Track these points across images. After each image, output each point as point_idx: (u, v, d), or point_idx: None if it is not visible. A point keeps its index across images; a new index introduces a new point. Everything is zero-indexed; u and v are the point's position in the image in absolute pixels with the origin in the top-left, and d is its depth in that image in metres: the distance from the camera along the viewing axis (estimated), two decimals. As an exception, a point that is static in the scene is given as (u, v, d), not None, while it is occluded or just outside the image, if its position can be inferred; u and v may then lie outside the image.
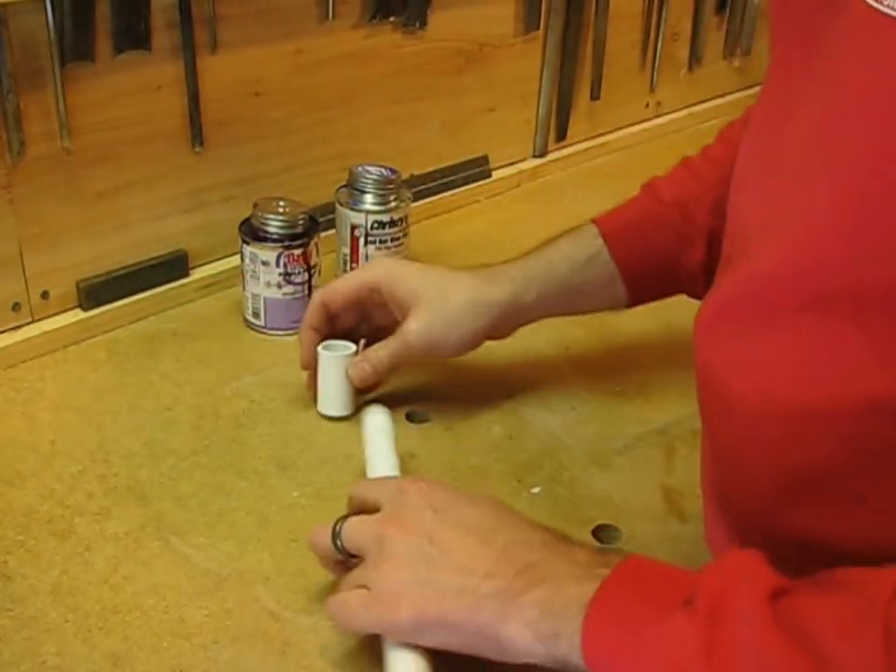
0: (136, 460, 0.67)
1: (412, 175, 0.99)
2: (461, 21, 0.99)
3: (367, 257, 0.86)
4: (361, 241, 0.85)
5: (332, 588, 0.55)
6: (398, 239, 0.86)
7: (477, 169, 1.06)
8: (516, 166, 1.11)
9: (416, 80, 0.98)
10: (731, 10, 1.31)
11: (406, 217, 0.87)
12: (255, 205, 0.80)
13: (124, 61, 0.76)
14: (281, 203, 0.80)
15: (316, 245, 0.81)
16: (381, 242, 0.85)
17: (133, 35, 0.76)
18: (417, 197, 0.97)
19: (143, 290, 0.83)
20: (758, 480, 0.47)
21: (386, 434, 0.65)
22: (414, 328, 0.68)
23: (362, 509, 0.55)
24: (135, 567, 0.58)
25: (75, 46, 0.73)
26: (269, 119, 0.88)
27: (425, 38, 0.97)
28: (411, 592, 0.48)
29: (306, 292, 0.81)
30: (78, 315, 0.80)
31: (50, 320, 0.79)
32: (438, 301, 0.69)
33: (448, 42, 1.00)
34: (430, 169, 1.02)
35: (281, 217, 0.79)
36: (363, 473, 0.67)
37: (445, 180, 1.03)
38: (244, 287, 0.81)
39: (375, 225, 0.85)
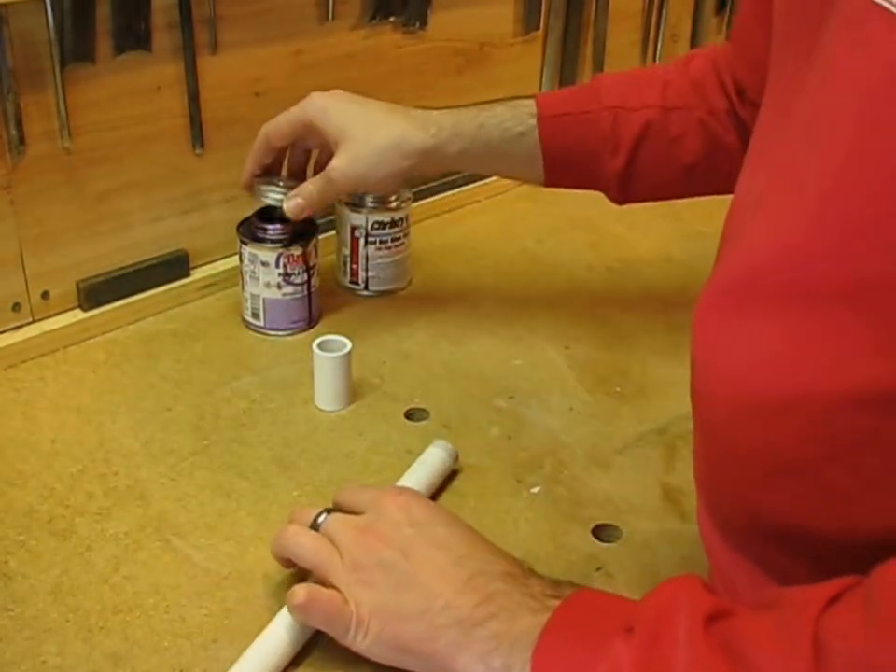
0: (136, 460, 0.67)
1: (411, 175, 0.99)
2: (461, 21, 0.99)
3: (367, 258, 0.86)
4: (361, 241, 0.85)
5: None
6: (398, 239, 0.86)
7: (477, 169, 1.06)
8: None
9: (416, 80, 0.98)
10: (730, 11, 1.31)
11: (406, 217, 0.87)
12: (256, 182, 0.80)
13: (124, 61, 0.77)
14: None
15: (315, 245, 0.81)
16: (381, 242, 0.86)
17: (134, 36, 0.76)
18: (417, 197, 0.97)
19: (143, 291, 0.83)
20: (738, 467, 0.47)
21: (432, 467, 0.65)
22: (337, 165, 0.73)
23: (345, 510, 0.56)
24: (136, 567, 0.58)
25: (75, 46, 0.73)
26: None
27: (425, 38, 0.97)
28: (376, 609, 0.49)
29: (306, 293, 0.81)
30: (78, 315, 0.80)
31: (51, 320, 0.79)
32: (363, 140, 0.73)
33: (448, 42, 1.00)
34: (430, 169, 1.02)
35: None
36: (363, 471, 0.67)
37: (445, 180, 1.03)
38: (242, 288, 0.81)
39: (375, 225, 0.85)
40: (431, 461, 0.65)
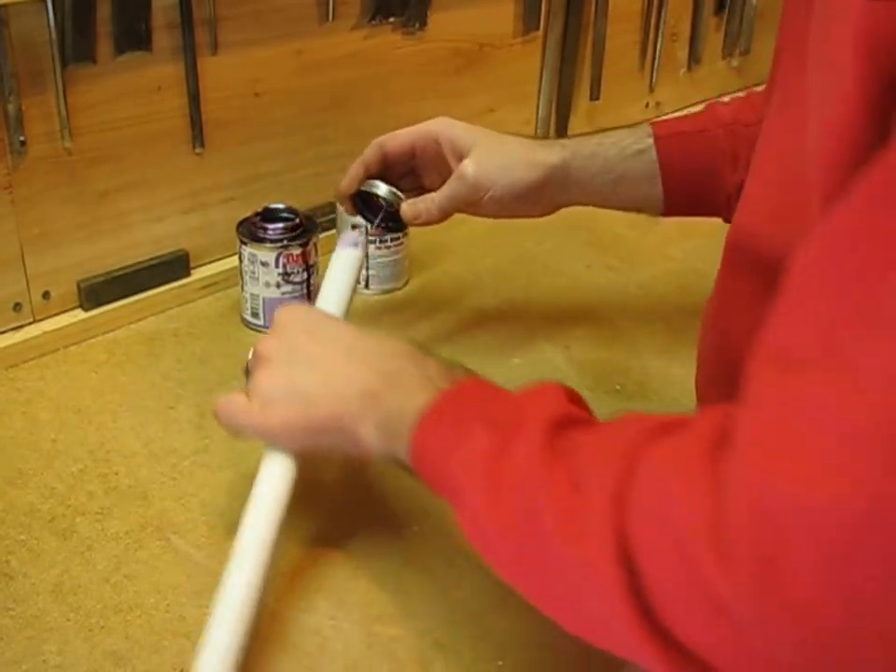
0: (137, 460, 0.67)
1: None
2: (461, 22, 1.00)
3: (367, 257, 0.86)
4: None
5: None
6: (398, 239, 0.87)
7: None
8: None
9: (416, 81, 0.98)
10: (730, 11, 1.31)
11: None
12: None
13: (125, 62, 0.77)
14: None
15: (315, 245, 0.82)
16: (381, 242, 0.86)
17: (134, 37, 0.76)
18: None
19: (143, 290, 0.83)
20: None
21: (348, 270, 0.67)
22: (470, 163, 0.71)
23: None
24: (136, 567, 0.59)
25: (76, 47, 0.73)
26: (269, 119, 0.88)
27: (425, 39, 0.97)
28: (282, 399, 0.54)
29: (305, 291, 0.81)
30: (79, 315, 0.80)
31: (51, 320, 0.79)
32: (493, 148, 0.73)
33: (448, 42, 1.00)
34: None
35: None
36: (362, 472, 0.67)
37: (445, 180, 1.03)
38: (242, 288, 0.81)
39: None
40: (341, 264, 0.68)
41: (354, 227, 0.83)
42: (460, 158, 0.72)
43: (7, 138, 0.72)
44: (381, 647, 0.54)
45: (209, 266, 0.88)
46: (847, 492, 0.30)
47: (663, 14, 1.21)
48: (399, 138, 0.74)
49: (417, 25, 0.95)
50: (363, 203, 0.76)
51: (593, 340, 0.82)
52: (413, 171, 0.76)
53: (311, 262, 0.81)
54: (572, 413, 0.45)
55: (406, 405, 0.50)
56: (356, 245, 0.69)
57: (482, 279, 0.91)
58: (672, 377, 0.77)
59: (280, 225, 0.79)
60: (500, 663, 0.54)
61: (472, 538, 0.46)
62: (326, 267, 0.85)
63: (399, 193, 0.74)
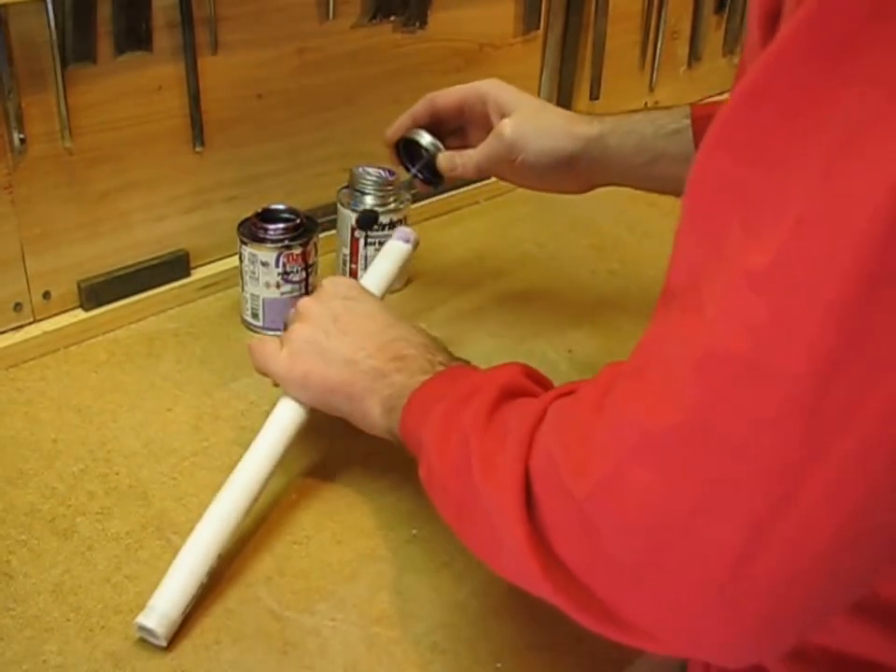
0: (137, 460, 0.67)
1: (412, 177, 0.99)
2: (461, 21, 0.99)
3: (367, 258, 0.86)
4: (361, 241, 0.86)
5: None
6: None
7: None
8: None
9: (417, 80, 0.98)
10: (730, 8, 1.31)
11: (406, 218, 0.87)
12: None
13: (125, 61, 0.77)
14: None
15: (315, 244, 0.82)
16: (381, 243, 0.85)
17: (135, 36, 0.76)
18: (417, 198, 0.97)
19: (144, 290, 0.83)
20: None
21: (394, 260, 0.74)
22: (509, 122, 0.73)
23: None
24: (137, 567, 0.59)
25: (76, 47, 0.73)
26: (269, 119, 0.88)
27: (425, 38, 0.97)
28: (308, 353, 0.61)
29: (304, 291, 0.81)
30: (80, 315, 0.80)
31: (52, 320, 0.79)
32: (536, 111, 0.74)
33: (448, 42, 1.00)
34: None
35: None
36: (363, 473, 0.67)
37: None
38: (242, 288, 0.81)
39: (376, 227, 0.85)
40: (389, 253, 0.74)
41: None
42: (498, 120, 0.74)
43: (7, 138, 0.72)
44: (380, 648, 0.54)
45: (209, 266, 0.88)
46: (680, 418, 0.35)
47: (663, 13, 1.21)
48: (449, 95, 0.76)
49: (418, 25, 0.95)
50: (406, 152, 0.78)
51: (595, 342, 0.82)
52: (462, 129, 0.78)
53: (310, 262, 0.81)
54: (522, 385, 0.51)
55: (406, 384, 0.56)
56: (407, 240, 0.76)
57: (482, 281, 0.91)
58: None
59: (280, 225, 0.79)
60: (499, 665, 0.54)
61: (427, 487, 0.52)
62: (326, 267, 0.86)
63: (441, 145, 0.76)
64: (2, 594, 0.57)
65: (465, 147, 0.77)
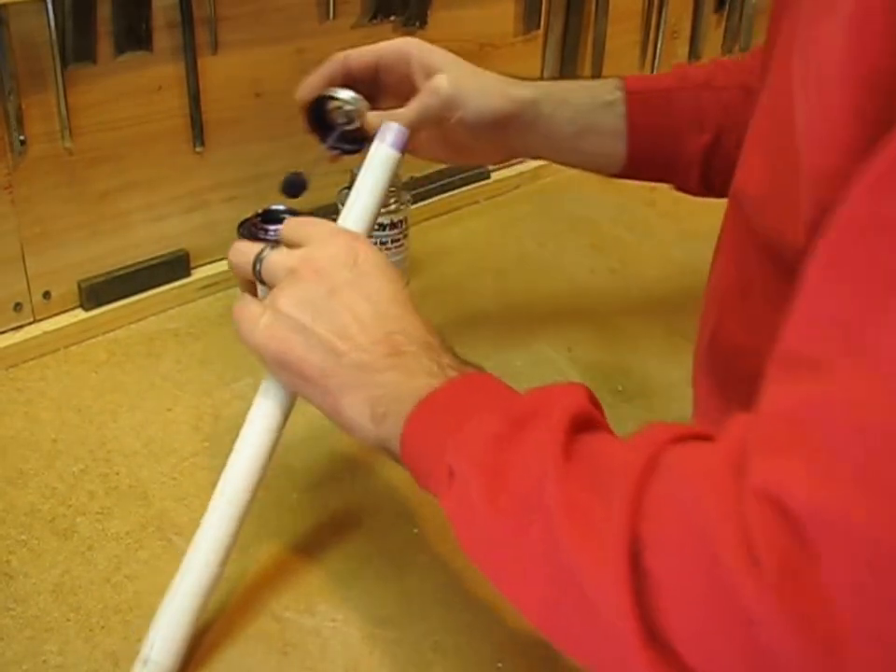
0: (138, 460, 0.67)
1: (411, 178, 0.99)
2: (461, 21, 0.99)
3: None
4: (362, 241, 0.85)
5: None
6: (398, 240, 0.87)
7: (476, 170, 1.06)
8: (516, 167, 1.11)
9: (417, 80, 0.98)
10: (730, 7, 1.31)
11: (406, 218, 0.87)
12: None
13: (125, 61, 0.77)
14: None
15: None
16: (381, 243, 0.86)
17: (135, 36, 0.76)
18: (417, 199, 0.97)
19: (144, 290, 0.83)
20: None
21: (383, 173, 0.61)
22: (445, 78, 0.66)
23: (289, 245, 0.55)
24: (137, 567, 0.59)
25: (76, 47, 0.73)
26: (270, 119, 0.88)
27: (425, 38, 0.96)
28: (290, 328, 0.50)
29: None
30: (80, 315, 0.80)
31: (52, 320, 0.79)
32: (470, 71, 0.68)
33: (448, 42, 0.98)
34: (430, 171, 1.02)
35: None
36: (363, 473, 0.67)
37: (445, 182, 1.03)
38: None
39: (375, 227, 0.85)
40: (376, 166, 0.61)
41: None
42: (422, 82, 0.67)
43: (7, 138, 0.72)
44: (381, 649, 0.54)
45: (209, 266, 0.88)
46: (877, 503, 0.28)
47: (663, 14, 1.21)
48: (364, 54, 0.68)
49: (418, 24, 0.95)
50: (317, 116, 0.68)
51: (594, 341, 0.82)
52: (371, 93, 0.69)
53: (311, 262, 0.81)
54: (594, 416, 0.43)
55: (404, 385, 0.48)
56: (393, 145, 0.62)
57: (482, 280, 0.91)
58: (673, 378, 0.77)
59: (280, 226, 0.79)
60: (500, 665, 0.54)
61: (459, 525, 0.43)
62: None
63: (366, 102, 0.66)
64: (2, 594, 0.56)
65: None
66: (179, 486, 0.65)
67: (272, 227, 0.79)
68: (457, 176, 1.04)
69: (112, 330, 0.81)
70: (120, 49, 0.76)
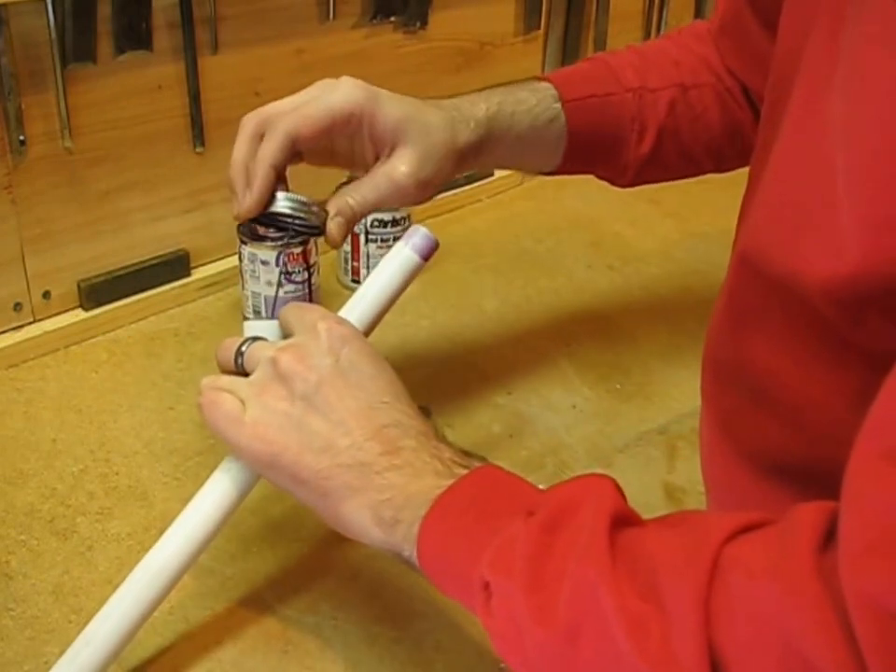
0: (138, 460, 0.67)
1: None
2: (462, 21, 0.99)
3: (368, 255, 0.86)
4: (362, 239, 0.85)
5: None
6: (399, 237, 0.86)
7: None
8: (517, 166, 1.11)
9: (417, 80, 0.98)
10: (731, 9, 1.31)
11: (407, 215, 0.87)
12: None
13: (125, 61, 0.77)
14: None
15: (315, 243, 0.81)
16: (382, 240, 0.86)
17: (135, 36, 0.76)
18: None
19: (144, 290, 0.83)
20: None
21: (401, 276, 0.57)
22: (405, 170, 0.59)
23: (284, 329, 0.54)
24: (138, 567, 0.58)
25: (76, 46, 0.73)
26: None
27: (425, 38, 0.97)
28: (277, 430, 0.47)
29: (306, 290, 0.81)
30: (80, 314, 0.80)
31: (52, 320, 0.79)
32: (423, 137, 0.60)
33: (449, 41, 1.00)
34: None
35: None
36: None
37: (447, 180, 1.03)
38: (242, 287, 0.81)
39: (376, 223, 0.85)
40: (395, 268, 0.57)
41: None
42: (387, 147, 0.61)
43: (7, 138, 0.72)
44: (382, 648, 0.54)
45: (209, 266, 0.88)
46: None
47: (664, 14, 1.21)
48: (314, 123, 0.59)
49: (418, 24, 0.95)
50: (265, 220, 0.63)
51: (594, 340, 0.82)
52: (329, 155, 0.64)
53: (311, 261, 0.81)
54: (630, 513, 0.40)
55: (411, 487, 0.45)
56: (420, 253, 0.58)
57: (482, 278, 0.91)
58: (673, 378, 0.77)
59: (281, 230, 0.79)
60: (502, 665, 0.54)
61: (504, 642, 0.40)
62: (326, 266, 0.85)
63: (315, 208, 0.61)
64: (2, 594, 0.56)
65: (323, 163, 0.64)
66: (181, 487, 0.65)
67: (272, 228, 0.79)
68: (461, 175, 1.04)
69: (112, 330, 0.81)
70: (120, 48, 0.76)
